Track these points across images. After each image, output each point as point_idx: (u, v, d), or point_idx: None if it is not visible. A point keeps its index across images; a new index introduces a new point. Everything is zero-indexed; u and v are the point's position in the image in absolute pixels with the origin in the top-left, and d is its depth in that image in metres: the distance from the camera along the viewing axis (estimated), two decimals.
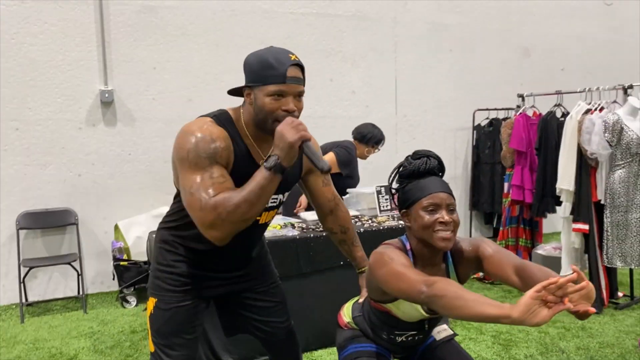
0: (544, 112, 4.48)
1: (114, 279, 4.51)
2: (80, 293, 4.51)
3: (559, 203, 4.13)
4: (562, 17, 6.58)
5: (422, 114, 5.86)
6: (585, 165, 3.90)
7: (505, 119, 5.52)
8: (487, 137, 5.82)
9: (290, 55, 1.61)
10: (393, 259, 1.61)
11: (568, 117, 3.99)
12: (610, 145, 3.73)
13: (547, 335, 3.48)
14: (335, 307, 2.20)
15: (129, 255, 4.47)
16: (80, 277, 4.48)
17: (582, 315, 1.28)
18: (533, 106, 4.65)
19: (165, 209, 4.60)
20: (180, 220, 1.80)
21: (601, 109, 3.90)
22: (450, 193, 1.70)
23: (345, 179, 3.97)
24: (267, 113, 1.59)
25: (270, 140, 1.64)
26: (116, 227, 4.57)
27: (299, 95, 1.62)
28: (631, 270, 4.16)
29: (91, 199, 4.69)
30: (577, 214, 3.94)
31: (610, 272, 4.04)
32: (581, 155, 3.90)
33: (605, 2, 6.80)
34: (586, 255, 4.04)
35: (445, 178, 1.78)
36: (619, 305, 3.97)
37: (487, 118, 5.86)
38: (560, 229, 4.17)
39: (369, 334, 1.94)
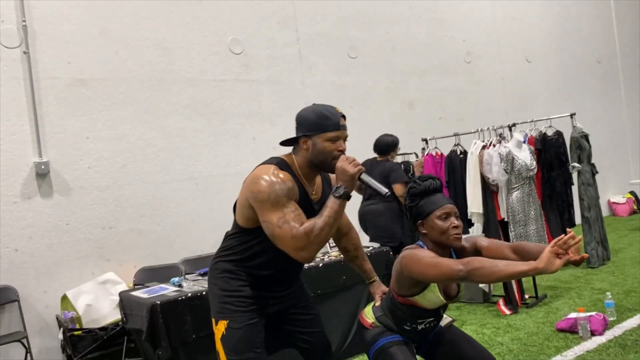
0: (438, 152, 5.34)
1: (64, 352, 4.39)
2: None
3: (471, 225, 4.91)
4: (436, 74, 7.74)
5: None
6: (489, 191, 4.74)
7: (405, 162, 6.35)
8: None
9: (337, 109, 2.10)
10: (424, 256, 2.11)
11: (469, 153, 4.84)
12: (506, 172, 4.61)
13: (485, 335, 4.11)
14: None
15: (80, 324, 4.40)
16: (29, 354, 4.31)
17: (578, 262, 1.84)
18: (436, 147, 5.50)
19: (109, 275, 4.68)
20: (243, 252, 2.17)
21: (494, 145, 4.80)
22: (454, 204, 2.26)
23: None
24: (327, 154, 2.05)
25: (313, 178, 2.14)
26: (64, 297, 4.49)
27: (346, 138, 2.11)
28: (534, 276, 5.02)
29: (30, 272, 4.57)
30: (487, 231, 4.73)
31: (519, 279, 4.84)
32: (484, 182, 4.74)
33: (465, 60, 8.12)
34: None
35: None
36: (529, 305, 4.77)
37: None
38: None
39: (393, 328, 2.37)
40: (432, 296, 2.22)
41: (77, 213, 4.81)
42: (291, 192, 2.00)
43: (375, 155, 5.09)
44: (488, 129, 5.04)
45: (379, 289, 2.52)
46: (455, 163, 5.06)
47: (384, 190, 2.07)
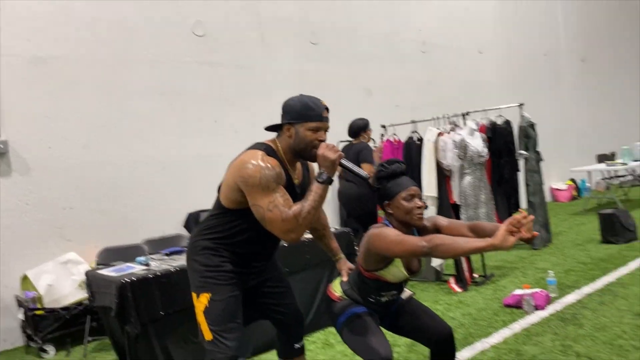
0: (396, 139, 5.56)
1: (24, 332, 4.39)
2: None
3: (425, 208, 5.14)
4: (394, 62, 7.95)
5: None
6: (443, 176, 4.99)
7: None
8: None
9: (322, 101, 2.24)
10: (390, 234, 2.29)
11: (425, 140, 5.08)
12: (459, 158, 4.87)
13: (438, 311, 4.37)
14: None
15: (42, 304, 4.40)
16: None
17: (529, 239, 2.06)
18: (394, 134, 5.71)
19: (70, 256, 4.70)
20: (225, 232, 2.30)
21: (448, 132, 5.05)
22: (418, 187, 2.45)
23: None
24: (307, 143, 2.19)
25: (295, 163, 2.31)
26: (25, 278, 4.47)
27: (327, 130, 2.25)
28: (482, 256, 5.34)
29: None
30: (441, 214, 4.99)
31: (469, 258, 5.14)
32: (439, 168, 4.99)
33: (421, 49, 8.38)
34: None
35: None
36: (478, 283, 5.08)
37: None
38: None
39: (359, 300, 2.55)
40: (396, 271, 2.41)
41: (37, 193, 4.78)
42: (279, 178, 2.13)
43: (351, 139, 5.27)
44: (443, 117, 5.29)
45: (345, 265, 2.69)
46: (412, 149, 5.29)
47: (363, 173, 2.23)
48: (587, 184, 10.70)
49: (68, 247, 4.89)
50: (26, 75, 4.74)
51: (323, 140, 2.21)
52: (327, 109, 2.26)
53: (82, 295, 4.53)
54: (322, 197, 2.10)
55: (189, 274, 2.38)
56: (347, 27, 7.38)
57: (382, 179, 2.46)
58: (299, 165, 2.40)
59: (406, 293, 2.72)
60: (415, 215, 2.39)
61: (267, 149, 2.22)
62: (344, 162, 2.19)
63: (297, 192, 2.28)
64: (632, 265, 5.11)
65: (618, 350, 3.21)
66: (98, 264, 4.69)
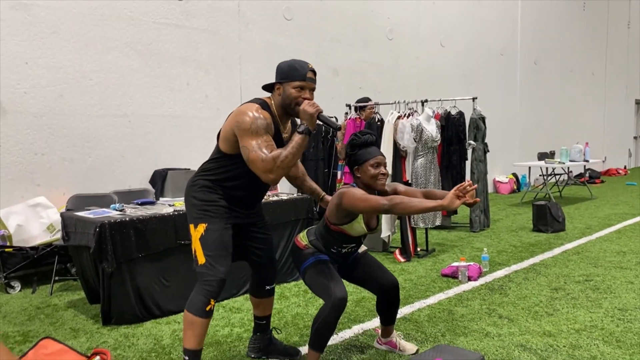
0: (359, 118, 5.95)
1: None
2: None
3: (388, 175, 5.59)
4: (361, 46, 8.31)
5: None
6: (398, 155, 5.43)
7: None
8: (310, 139, 7.14)
9: (309, 64, 2.58)
10: (357, 192, 2.68)
11: (386, 121, 5.49)
12: (415, 141, 5.32)
13: None
14: None
15: (11, 242, 4.58)
16: None
17: (472, 204, 2.49)
18: (358, 113, 6.10)
19: (40, 199, 4.89)
20: (221, 174, 2.64)
21: (408, 116, 5.48)
22: (384, 156, 2.84)
23: None
24: (292, 99, 2.54)
25: (286, 120, 2.65)
26: None
27: (312, 89, 2.59)
28: (427, 231, 5.84)
29: None
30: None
31: (415, 233, 5.63)
32: (396, 148, 5.42)
33: (387, 36, 8.77)
34: (398, 221, 5.57)
35: None
36: (420, 256, 5.58)
37: None
38: None
39: (322, 250, 2.94)
40: (357, 226, 2.80)
41: (10, 136, 4.90)
42: (269, 127, 2.46)
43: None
44: (404, 102, 5.71)
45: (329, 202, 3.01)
46: (373, 129, 5.69)
47: (337, 124, 2.59)
48: (527, 179, 11.47)
49: (37, 192, 5.05)
50: (7, 18, 4.82)
51: (307, 98, 2.53)
52: (313, 71, 2.58)
53: (49, 237, 4.73)
54: (300, 146, 2.41)
55: (187, 208, 2.68)
56: (320, 7, 7.67)
57: (354, 147, 2.84)
58: (289, 123, 2.74)
59: (362, 248, 3.13)
60: (379, 181, 2.78)
61: (263, 104, 2.54)
62: (321, 116, 2.51)
63: (284, 144, 2.60)
64: (556, 251, 5.74)
65: (534, 315, 3.75)
66: (67, 209, 4.89)
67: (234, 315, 3.84)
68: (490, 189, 11.11)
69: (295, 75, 2.53)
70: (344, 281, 2.99)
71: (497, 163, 11.33)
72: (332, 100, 7.60)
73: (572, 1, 14.01)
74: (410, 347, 3.15)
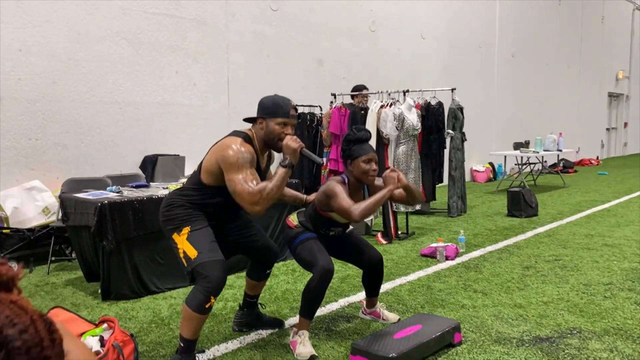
0: (343, 107, 6.20)
1: None
2: None
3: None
4: (345, 37, 8.54)
5: (248, 107, 7.13)
6: (382, 143, 5.68)
7: (310, 113, 7.15)
8: (295, 127, 7.36)
9: (291, 101, 2.77)
10: (338, 190, 2.92)
11: (369, 110, 5.74)
12: (397, 129, 5.58)
13: None
14: None
15: (8, 224, 4.74)
16: None
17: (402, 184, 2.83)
18: (342, 103, 6.34)
19: (35, 183, 5.04)
20: (198, 201, 2.75)
21: (390, 105, 5.74)
22: (376, 153, 3.08)
23: None
24: (275, 135, 2.70)
25: (264, 151, 2.83)
26: None
27: (293, 126, 2.77)
28: (407, 215, 6.13)
29: None
30: (377, 176, 5.69)
31: (396, 218, 5.91)
32: (379, 136, 5.67)
33: (370, 28, 9.00)
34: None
35: None
36: (401, 238, 5.87)
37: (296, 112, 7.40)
38: None
39: (311, 230, 3.18)
40: None
41: (4, 122, 5.03)
42: (252, 161, 2.59)
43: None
44: (386, 92, 5.97)
45: (313, 196, 3.23)
46: (357, 117, 5.94)
47: (319, 160, 2.80)
48: (503, 169, 11.85)
49: (32, 176, 5.20)
50: (1, 6, 4.94)
51: (289, 134, 2.70)
52: (295, 108, 2.77)
53: (45, 219, 4.90)
54: (284, 179, 2.57)
55: (165, 225, 2.75)
56: None
57: (349, 142, 3.07)
58: (266, 155, 2.90)
59: (349, 228, 3.38)
60: (370, 176, 3.02)
61: (245, 137, 2.68)
62: (304, 151, 2.68)
63: (261, 172, 2.80)
64: (528, 234, 6.07)
65: (506, 290, 4.05)
66: (62, 192, 5.05)
67: (227, 291, 4.07)
68: (467, 178, 11.47)
69: (278, 112, 2.69)
70: (332, 258, 3.25)
71: (475, 152, 11.69)
72: (316, 90, 7.82)
73: (543, 7, 14.40)
74: (392, 317, 3.43)
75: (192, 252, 2.62)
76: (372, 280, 3.33)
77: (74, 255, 4.87)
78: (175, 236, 2.69)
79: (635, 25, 20.24)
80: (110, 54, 5.72)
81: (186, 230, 2.68)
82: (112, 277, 3.82)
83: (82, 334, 2.77)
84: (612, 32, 18.59)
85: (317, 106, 7.43)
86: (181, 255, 2.65)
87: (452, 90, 7.08)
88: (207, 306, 2.57)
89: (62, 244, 5.01)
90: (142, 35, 5.98)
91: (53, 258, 4.76)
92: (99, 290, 3.92)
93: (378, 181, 3.19)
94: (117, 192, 4.15)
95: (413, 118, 5.65)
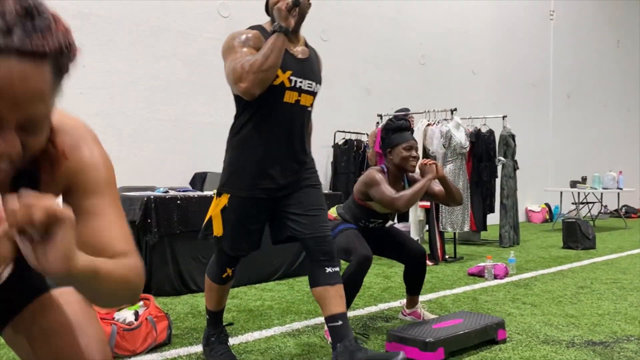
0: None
1: None
2: None
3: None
4: (392, 68, 8.63)
5: None
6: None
7: (357, 140, 7.19)
8: (342, 153, 7.40)
9: None
10: (377, 177, 2.90)
11: (415, 129, 5.71)
12: (444, 147, 5.51)
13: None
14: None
15: None
16: None
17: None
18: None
19: None
20: (245, 125, 2.32)
21: (437, 123, 5.70)
22: (416, 141, 3.06)
23: None
24: (272, 4, 2.30)
25: (295, 41, 2.42)
26: None
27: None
28: (455, 238, 5.95)
29: None
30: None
31: (443, 241, 5.75)
32: (425, 153, 5.61)
33: (420, 61, 9.07)
34: (427, 226, 5.71)
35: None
36: (448, 261, 5.68)
37: (343, 138, 7.46)
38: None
39: (351, 222, 3.14)
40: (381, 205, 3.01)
41: None
42: (249, 40, 2.22)
43: None
44: (433, 111, 5.94)
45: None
46: None
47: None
48: (559, 209, 11.40)
49: None
50: (70, 25, 5.31)
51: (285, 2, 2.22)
52: None
53: None
54: (274, 47, 2.12)
55: (222, 174, 2.45)
56: (355, 29, 8.06)
57: (388, 130, 3.07)
58: (304, 46, 2.47)
59: (389, 223, 3.31)
60: (410, 163, 2.98)
61: (254, 26, 2.36)
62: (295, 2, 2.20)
63: (302, 65, 2.35)
64: (585, 262, 5.76)
65: (557, 303, 3.82)
66: None
67: (266, 294, 4.03)
68: (522, 218, 11.08)
69: None
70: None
71: (529, 192, 11.33)
72: (364, 119, 7.86)
73: (606, 38, 14.16)
74: (433, 318, 3.28)
75: (219, 228, 2.40)
76: (413, 276, 3.22)
77: None
78: (215, 196, 2.47)
79: None
80: (166, 73, 5.99)
81: (225, 198, 2.38)
82: (154, 273, 3.86)
83: (118, 309, 2.79)
84: None
85: (364, 134, 7.46)
86: (207, 217, 2.48)
87: (504, 117, 6.97)
88: (224, 276, 2.46)
89: None
90: (196, 58, 6.25)
91: None
92: None
93: (416, 175, 3.14)
94: (164, 192, 4.25)
95: (461, 136, 5.58)
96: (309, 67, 2.40)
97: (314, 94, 2.44)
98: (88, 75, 5.44)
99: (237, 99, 2.33)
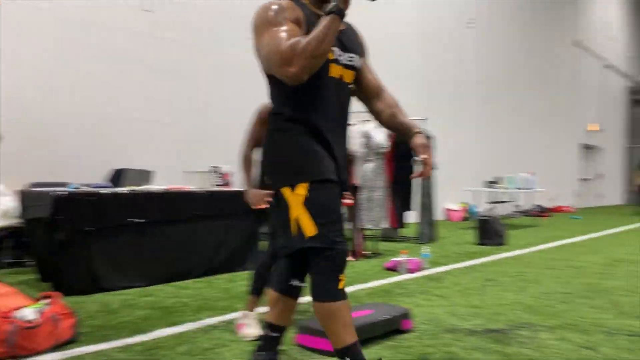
0: None
1: None
2: None
3: None
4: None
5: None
6: (348, 160, 5.74)
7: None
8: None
9: None
10: None
11: None
12: (364, 147, 5.66)
13: None
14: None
15: None
16: None
17: None
18: None
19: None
20: (288, 104, 2.01)
21: (357, 125, 5.84)
22: None
23: None
24: None
25: (322, 9, 2.06)
26: None
27: None
28: (376, 237, 6.13)
29: None
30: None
31: (364, 237, 5.91)
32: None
33: None
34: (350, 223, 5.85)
35: None
36: (368, 257, 5.85)
37: None
38: None
39: None
40: None
41: None
42: (285, 12, 1.94)
43: None
44: (355, 111, 6.08)
45: (421, 140, 2.16)
46: None
47: None
48: (476, 208, 11.96)
49: None
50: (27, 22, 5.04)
51: None
52: None
53: (4, 222, 4.82)
54: (327, 28, 1.85)
55: (269, 169, 2.07)
56: None
57: None
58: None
59: None
60: None
61: None
62: None
63: (339, 36, 2.06)
64: (494, 257, 6.09)
65: (464, 294, 4.03)
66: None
67: (182, 292, 3.99)
68: (442, 217, 11.54)
69: None
70: None
71: (449, 191, 11.81)
72: None
73: (518, 47, 14.98)
74: None
75: (310, 226, 1.96)
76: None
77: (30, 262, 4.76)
78: (285, 192, 2.01)
79: (605, 80, 21.02)
80: (91, 73, 5.81)
81: (303, 188, 2.00)
82: (64, 271, 3.74)
83: (20, 307, 2.69)
84: (582, 86, 19.27)
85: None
86: (291, 223, 2.00)
87: (424, 119, 7.24)
88: (340, 287, 1.96)
89: (19, 248, 4.90)
90: (128, 55, 6.10)
91: (11, 260, 4.65)
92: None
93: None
94: (75, 188, 4.12)
95: (380, 137, 5.75)
96: (347, 38, 2.11)
97: (355, 69, 2.13)
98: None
99: (276, 80, 2.00)
